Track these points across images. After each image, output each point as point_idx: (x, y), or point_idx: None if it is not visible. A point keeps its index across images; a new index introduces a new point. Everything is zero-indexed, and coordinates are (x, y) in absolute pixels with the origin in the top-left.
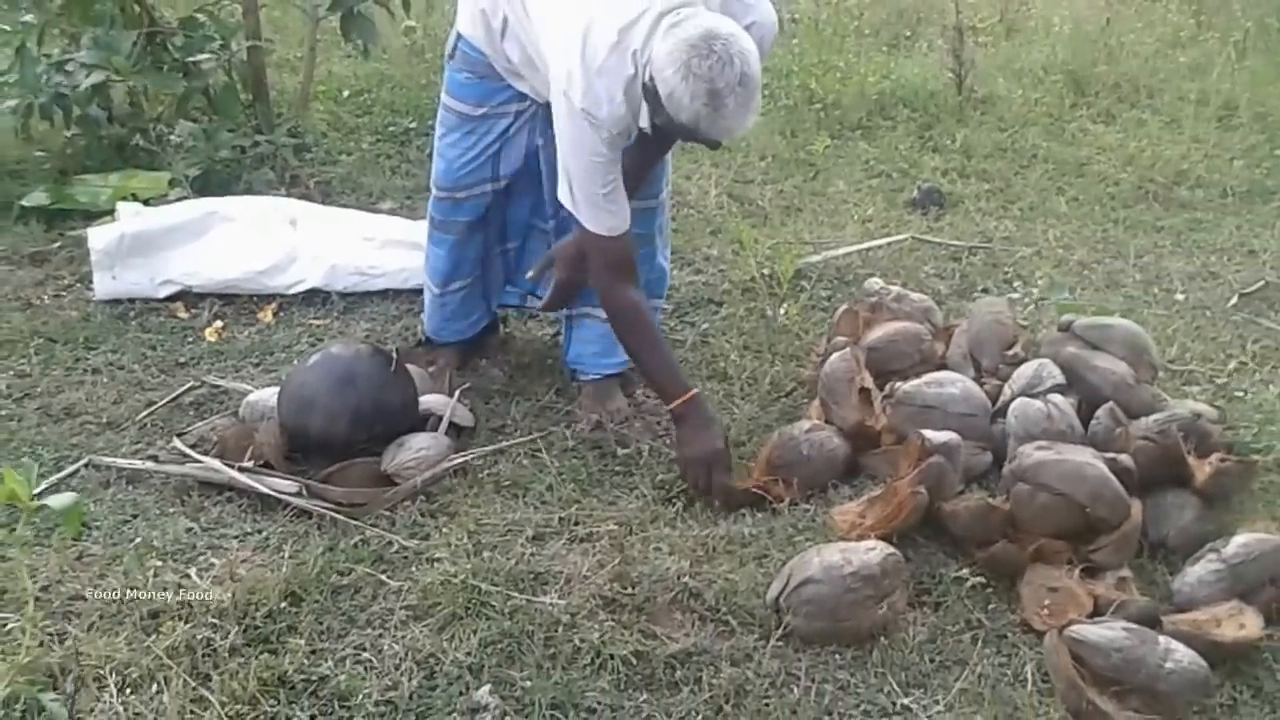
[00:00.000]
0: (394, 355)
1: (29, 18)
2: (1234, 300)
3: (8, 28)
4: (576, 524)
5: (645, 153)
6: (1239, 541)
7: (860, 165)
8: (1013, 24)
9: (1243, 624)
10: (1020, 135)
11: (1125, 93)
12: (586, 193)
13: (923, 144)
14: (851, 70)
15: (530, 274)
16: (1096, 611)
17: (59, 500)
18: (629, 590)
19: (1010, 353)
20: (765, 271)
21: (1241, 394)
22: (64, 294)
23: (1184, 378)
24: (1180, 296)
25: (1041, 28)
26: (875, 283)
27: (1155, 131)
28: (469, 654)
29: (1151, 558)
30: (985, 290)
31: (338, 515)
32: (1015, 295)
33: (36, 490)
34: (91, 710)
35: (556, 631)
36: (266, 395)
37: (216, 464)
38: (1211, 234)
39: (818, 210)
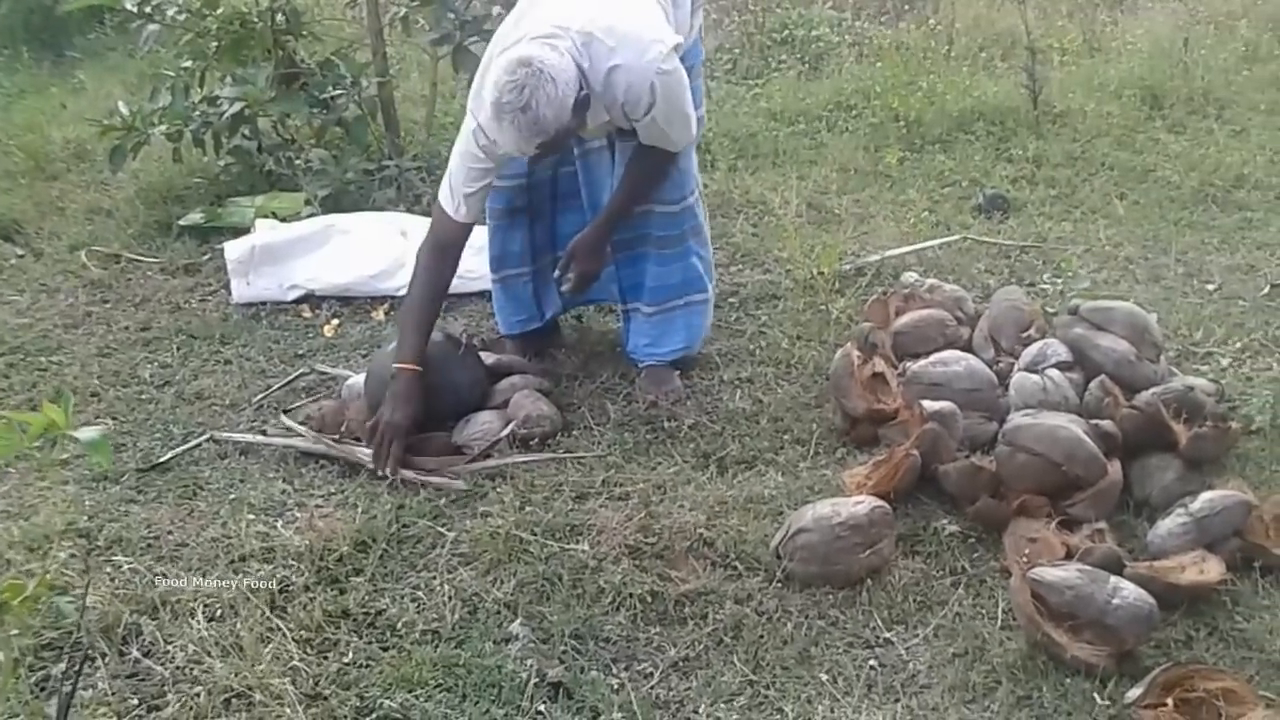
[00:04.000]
0: (462, 340)
1: (189, 63)
2: (1266, 290)
3: (172, 72)
4: (615, 485)
5: None
6: (1205, 497)
7: (935, 176)
8: (1095, 44)
9: (1203, 570)
10: (1091, 146)
11: (1198, 105)
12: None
13: (997, 155)
14: (933, 89)
15: (555, 272)
16: (1069, 558)
17: (86, 433)
18: (650, 540)
19: (1025, 335)
20: (823, 270)
21: (1251, 374)
22: (209, 299)
23: (1201, 359)
24: (1211, 287)
25: (1122, 47)
26: (910, 275)
27: (1222, 140)
28: (507, 593)
29: (1136, 514)
30: (1031, 284)
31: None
32: (1046, 287)
33: (164, 459)
34: (180, 635)
35: (584, 574)
36: (362, 379)
37: (311, 435)
38: (1259, 232)
39: (888, 217)
